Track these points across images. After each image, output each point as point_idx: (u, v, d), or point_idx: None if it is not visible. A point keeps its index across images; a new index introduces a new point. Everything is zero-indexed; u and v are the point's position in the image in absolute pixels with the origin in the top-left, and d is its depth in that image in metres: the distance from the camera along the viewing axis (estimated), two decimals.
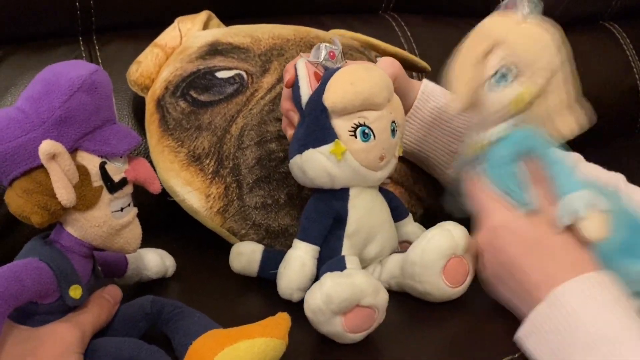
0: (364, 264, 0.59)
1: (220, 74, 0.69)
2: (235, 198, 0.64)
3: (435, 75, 0.86)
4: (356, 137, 0.54)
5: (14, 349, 0.42)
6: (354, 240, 0.57)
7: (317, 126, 0.55)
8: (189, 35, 0.74)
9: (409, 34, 0.98)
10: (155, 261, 0.61)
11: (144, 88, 0.72)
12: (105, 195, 0.46)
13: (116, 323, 0.50)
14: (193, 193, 0.65)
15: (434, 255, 0.53)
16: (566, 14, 1.10)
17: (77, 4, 0.77)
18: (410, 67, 0.86)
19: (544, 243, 0.49)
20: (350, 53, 0.74)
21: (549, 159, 0.53)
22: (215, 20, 0.79)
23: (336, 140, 0.54)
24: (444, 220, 0.58)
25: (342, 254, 0.55)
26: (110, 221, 0.47)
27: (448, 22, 1.04)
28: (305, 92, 0.56)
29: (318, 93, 0.55)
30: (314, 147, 0.55)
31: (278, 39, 0.73)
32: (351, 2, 0.98)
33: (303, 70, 0.57)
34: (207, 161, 0.65)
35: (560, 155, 0.53)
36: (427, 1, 1.05)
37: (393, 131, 0.55)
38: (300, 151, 0.55)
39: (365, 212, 0.57)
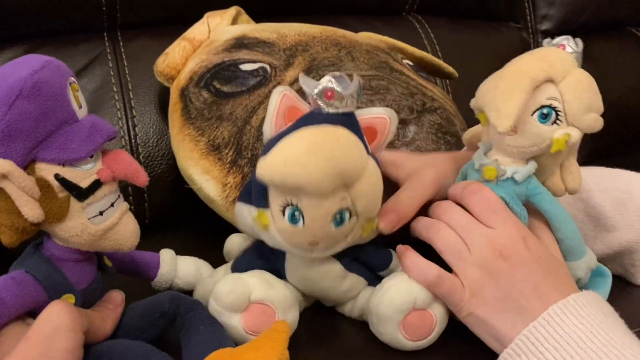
0: None
1: (244, 67, 0.69)
2: None
3: (460, 79, 0.86)
4: (284, 216, 0.44)
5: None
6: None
7: (257, 180, 0.44)
8: (217, 29, 0.75)
9: (432, 35, 0.98)
10: (189, 271, 0.56)
11: (169, 78, 0.73)
12: (75, 204, 0.42)
13: (130, 321, 0.47)
14: (210, 182, 0.64)
15: (388, 310, 0.48)
16: (593, 20, 1.09)
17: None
18: (436, 73, 0.86)
19: (535, 265, 0.48)
20: (376, 53, 0.74)
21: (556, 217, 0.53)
22: (245, 16, 0.79)
23: (259, 211, 0.46)
24: None
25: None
26: (88, 229, 0.42)
27: (471, 25, 1.04)
28: (267, 131, 0.48)
29: (271, 143, 0.45)
30: (245, 202, 0.48)
31: (304, 36, 0.74)
32: (375, 3, 0.98)
33: (273, 103, 0.47)
34: (226, 151, 0.65)
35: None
36: (451, 3, 1.04)
37: (340, 221, 0.44)
38: (239, 198, 0.50)
39: (302, 280, 0.51)
